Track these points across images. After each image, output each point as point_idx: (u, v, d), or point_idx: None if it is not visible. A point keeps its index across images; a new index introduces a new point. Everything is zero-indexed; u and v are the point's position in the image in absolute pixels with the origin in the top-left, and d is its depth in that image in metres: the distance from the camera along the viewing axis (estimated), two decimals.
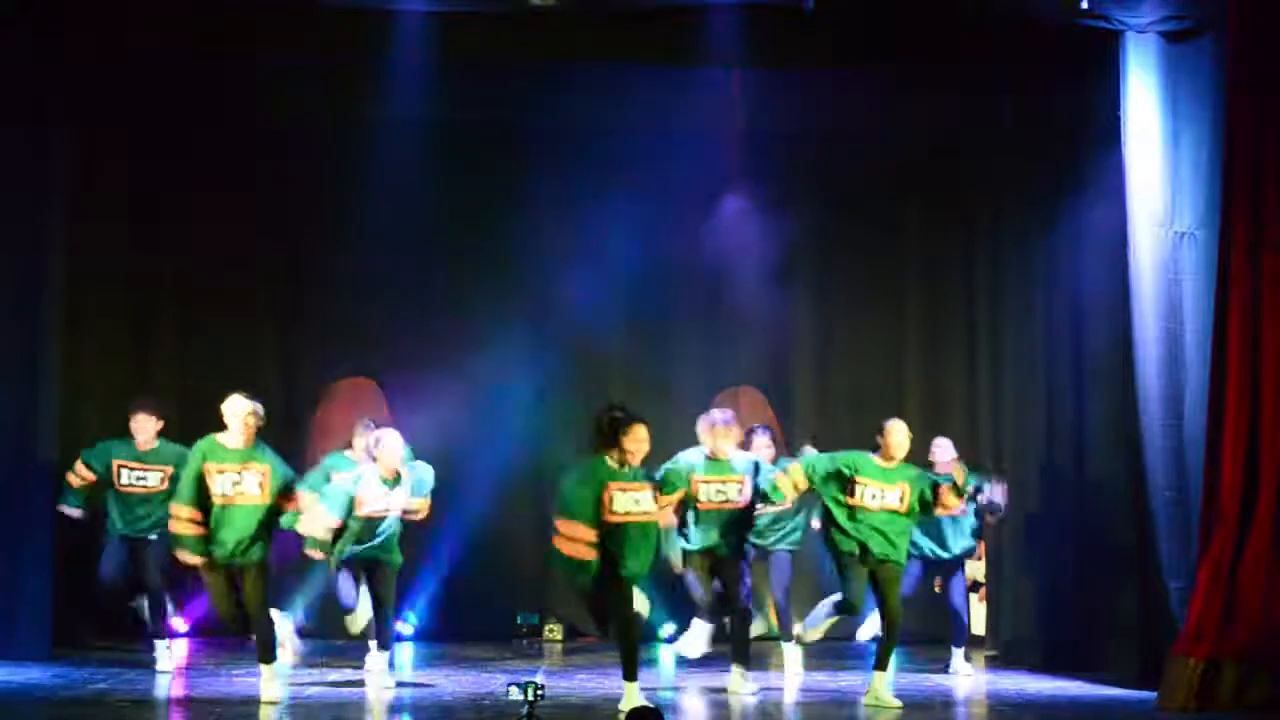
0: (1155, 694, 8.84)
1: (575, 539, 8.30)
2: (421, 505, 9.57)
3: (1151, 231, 9.44)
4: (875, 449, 9.21)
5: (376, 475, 9.31)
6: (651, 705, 6.19)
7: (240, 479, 8.76)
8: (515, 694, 6.55)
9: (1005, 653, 11.27)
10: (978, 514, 10.38)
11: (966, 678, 10.22)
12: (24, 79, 10.10)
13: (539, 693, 6.54)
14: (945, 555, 10.37)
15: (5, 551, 10.07)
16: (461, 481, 11.18)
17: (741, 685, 9.17)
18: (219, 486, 8.73)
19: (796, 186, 12.25)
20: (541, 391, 11.94)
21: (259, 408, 8.94)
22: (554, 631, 11.94)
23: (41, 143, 10.29)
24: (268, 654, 8.87)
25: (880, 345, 12.66)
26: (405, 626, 11.60)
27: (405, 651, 11.14)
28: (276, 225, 12.19)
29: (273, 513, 8.84)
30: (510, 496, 11.71)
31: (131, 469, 10.08)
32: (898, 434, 9.20)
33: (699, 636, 9.76)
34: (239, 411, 8.89)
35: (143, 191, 11.89)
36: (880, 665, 9.09)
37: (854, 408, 12.26)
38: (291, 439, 11.65)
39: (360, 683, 9.56)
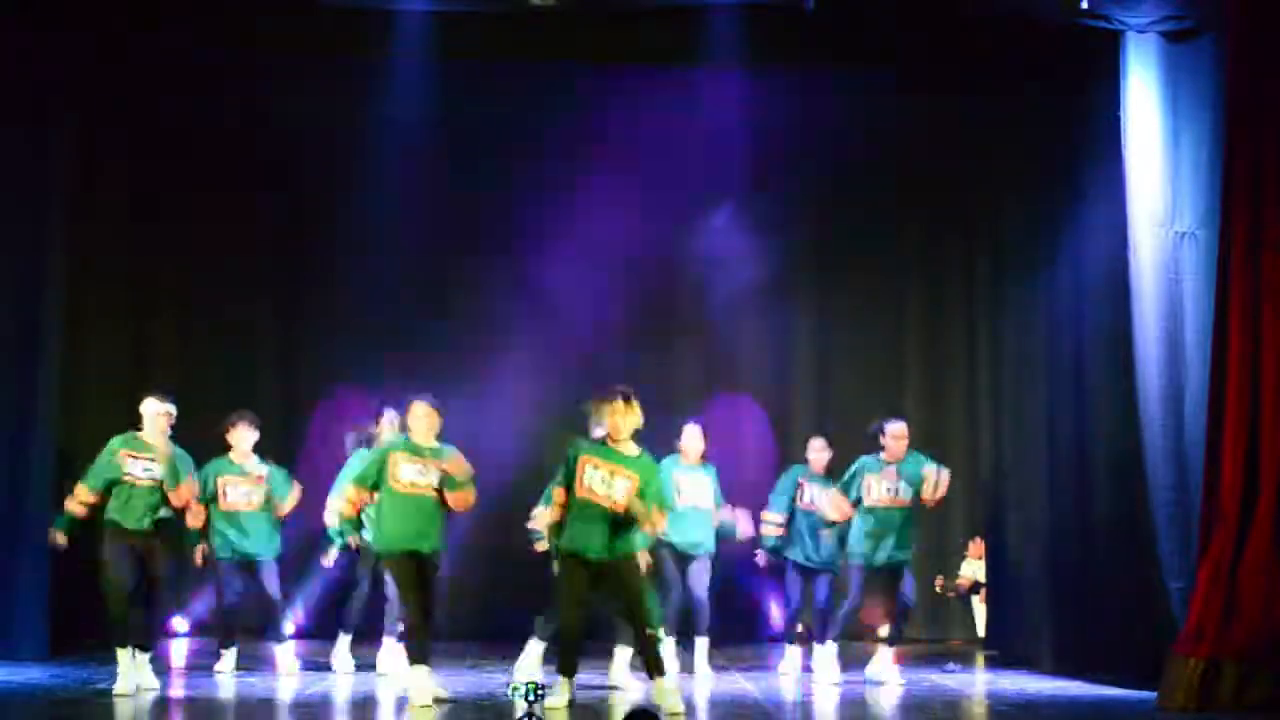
0: (1155, 694, 8.84)
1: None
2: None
3: (1151, 231, 9.43)
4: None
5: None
6: (649, 708, 6.19)
7: (151, 466, 9.22)
8: (515, 694, 6.55)
9: (1005, 653, 11.26)
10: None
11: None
12: (24, 79, 10.10)
13: (539, 693, 6.54)
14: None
15: (4, 551, 10.07)
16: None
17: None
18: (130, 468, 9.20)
19: (796, 186, 12.26)
20: (543, 390, 11.94)
21: (171, 409, 9.30)
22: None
23: (41, 143, 10.29)
24: (131, 637, 9.06)
25: (880, 346, 12.66)
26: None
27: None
28: (276, 225, 12.20)
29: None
30: (511, 497, 11.69)
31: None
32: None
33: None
34: (151, 411, 9.27)
35: (143, 191, 11.90)
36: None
37: (854, 408, 12.26)
38: (290, 439, 11.69)
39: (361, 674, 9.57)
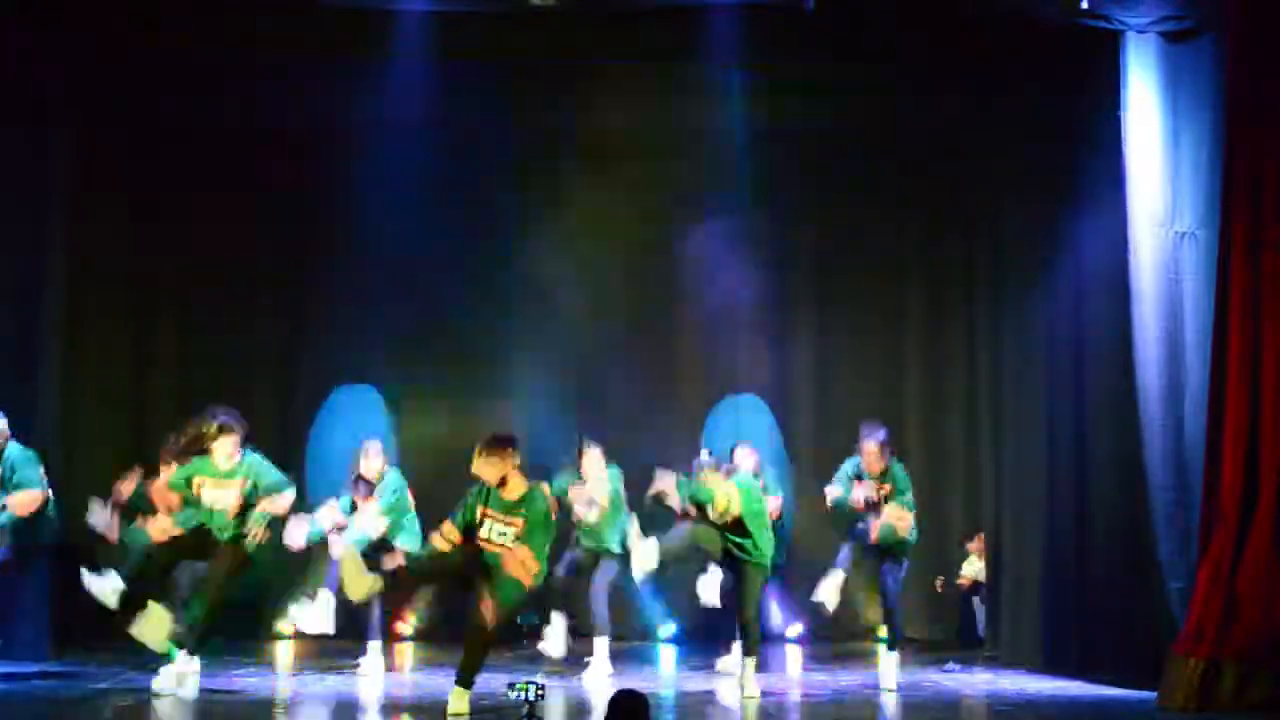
0: (1155, 694, 8.84)
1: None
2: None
3: (1151, 231, 9.43)
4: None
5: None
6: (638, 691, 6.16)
7: None
8: (515, 694, 6.55)
9: (1005, 653, 11.26)
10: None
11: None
12: (24, 79, 10.10)
13: (539, 693, 6.54)
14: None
15: (5, 552, 10.05)
16: (462, 484, 11.15)
17: None
18: None
19: (796, 186, 12.25)
20: (541, 392, 11.93)
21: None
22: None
23: (41, 143, 10.29)
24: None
25: (880, 345, 12.65)
26: (405, 627, 11.61)
27: (405, 652, 11.14)
28: (277, 225, 12.20)
29: None
30: None
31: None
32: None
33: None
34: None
35: (143, 191, 11.89)
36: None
37: (854, 408, 12.25)
38: (289, 438, 11.68)
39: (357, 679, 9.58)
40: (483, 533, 8.35)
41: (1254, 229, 8.86)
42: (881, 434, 9.72)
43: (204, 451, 9.08)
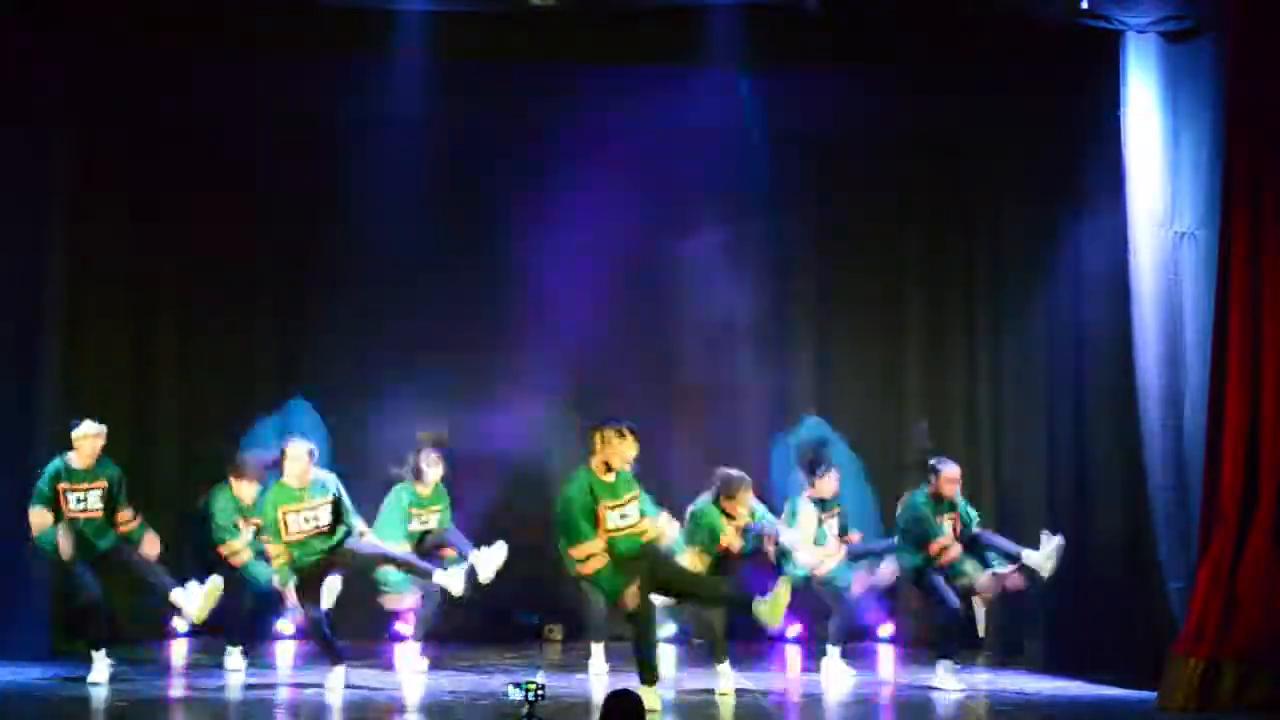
0: (1155, 694, 8.84)
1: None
2: None
3: (1151, 231, 9.43)
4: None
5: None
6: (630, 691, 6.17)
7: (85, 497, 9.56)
8: (515, 694, 6.55)
9: (1005, 653, 11.26)
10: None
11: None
12: (24, 79, 10.09)
13: (539, 693, 6.54)
14: None
15: (5, 552, 10.06)
16: (462, 483, 11.17)
17: None
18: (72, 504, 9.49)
19: (796, 186, 12.24)
20: (543, 391, 11.93)
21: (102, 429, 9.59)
22: (554, 632, 11.94)
23: (41, 143, 10.29)
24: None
25: (880, 347, 12.64)
26: (404, 627, 11.60)
27: (405, 652, 11.14)
28: (277, 225, 12.18)
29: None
30: (511, 498, 11.69)
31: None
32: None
33: None
34: (87, 434, 9.56)
35: (143, 191, 11.88)
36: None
37: (853, 408, 12.26)
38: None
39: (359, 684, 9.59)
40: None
41: (1254, 229, 8.86)
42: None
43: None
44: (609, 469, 8.72)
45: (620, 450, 8.67)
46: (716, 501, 9.58)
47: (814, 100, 11.29)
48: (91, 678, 9.39)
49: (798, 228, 12.42)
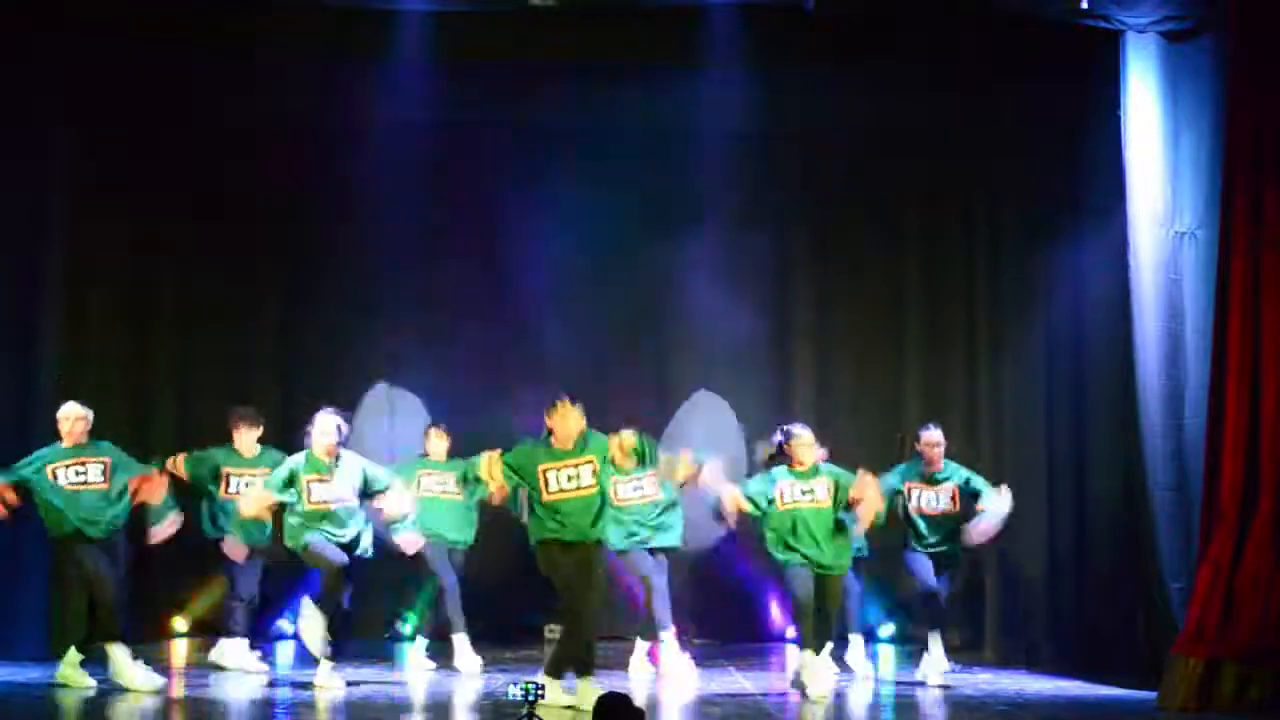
0: (1155, 694, 8.84)
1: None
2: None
3: (1151, 231, 9.44)
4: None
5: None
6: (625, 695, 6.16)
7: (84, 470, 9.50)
8: (515, 694, 6.55)
9: (1005, 653, 11.26)
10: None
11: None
12: (24, 79, 10.10)
13: (539, 693, 6.54)
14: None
15: (5, 552, 10.07)
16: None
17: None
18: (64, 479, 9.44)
19: (796, 186, 12.25)
20: (542, 392, 11.91)
21: (89, 412, 9.61)
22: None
23: (41, 143, 10.30)
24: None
25: (880, 346, 12.65)
26: (405, 627, 11.61)
27: (405, 652, 11.15)
28: (277, 225, 12.19)
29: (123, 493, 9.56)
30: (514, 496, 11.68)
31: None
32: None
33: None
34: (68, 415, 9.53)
35: (143, 191, 11.88)
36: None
37: (854, 408, 12.27)
38: (288, 436, 11.65)
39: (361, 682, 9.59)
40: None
41: (1254, 229, 8.86)
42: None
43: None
44: (553, 436, 8.94)
45: (554, 418, 8.94)
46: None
47: (814, 100, 11.29)
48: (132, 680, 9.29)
49: (796, 227, 12.42)
